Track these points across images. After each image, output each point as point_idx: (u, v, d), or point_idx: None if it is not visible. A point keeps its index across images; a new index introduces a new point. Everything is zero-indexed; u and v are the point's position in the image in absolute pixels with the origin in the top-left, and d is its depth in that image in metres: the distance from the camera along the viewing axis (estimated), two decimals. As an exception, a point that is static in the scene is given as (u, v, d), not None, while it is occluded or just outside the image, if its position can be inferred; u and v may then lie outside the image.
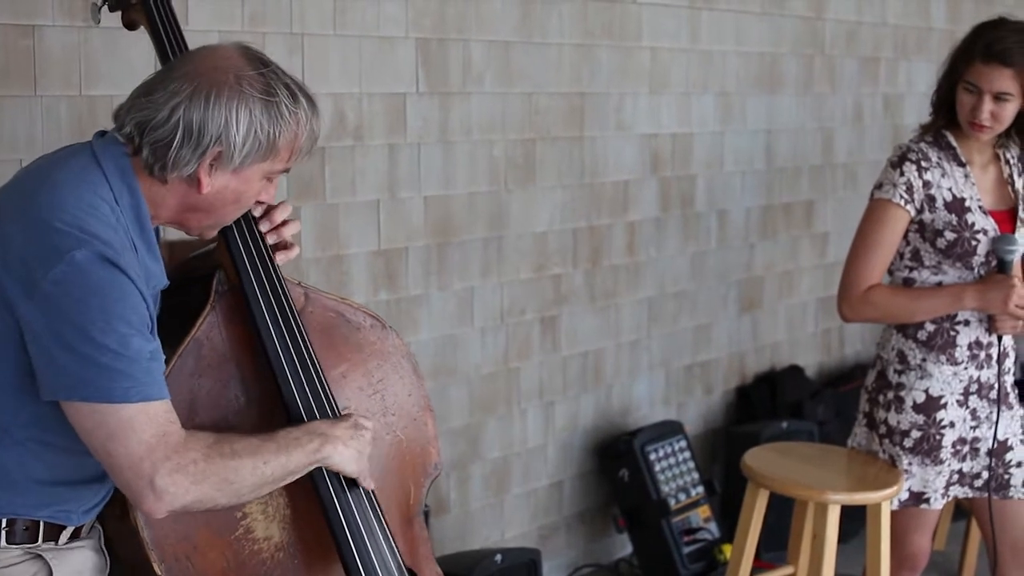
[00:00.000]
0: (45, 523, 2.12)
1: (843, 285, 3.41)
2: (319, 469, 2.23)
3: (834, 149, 5.58)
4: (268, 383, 2.27)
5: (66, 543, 2.16)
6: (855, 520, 3.94)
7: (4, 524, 2.09)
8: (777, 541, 4.42)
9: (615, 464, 4.56)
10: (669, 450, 4.60)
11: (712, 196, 4.99)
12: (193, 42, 3.17)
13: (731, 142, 5.04)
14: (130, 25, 2.60)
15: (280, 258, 2.36)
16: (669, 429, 4.68)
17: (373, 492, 2.33)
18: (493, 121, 4.10)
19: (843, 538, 3.72)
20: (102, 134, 2.17)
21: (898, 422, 3.41)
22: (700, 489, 4.63)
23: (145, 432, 1.97)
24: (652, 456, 4.53)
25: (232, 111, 2.06)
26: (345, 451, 2.22)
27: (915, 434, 3.39)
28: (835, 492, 3.39)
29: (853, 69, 5.61)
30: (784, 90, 5.26)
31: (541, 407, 4.46)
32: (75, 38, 3.04)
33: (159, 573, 2.13)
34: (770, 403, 5.20)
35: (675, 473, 4.58)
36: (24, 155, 2.96)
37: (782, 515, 4.00)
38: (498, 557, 3.84)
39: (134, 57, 3.11)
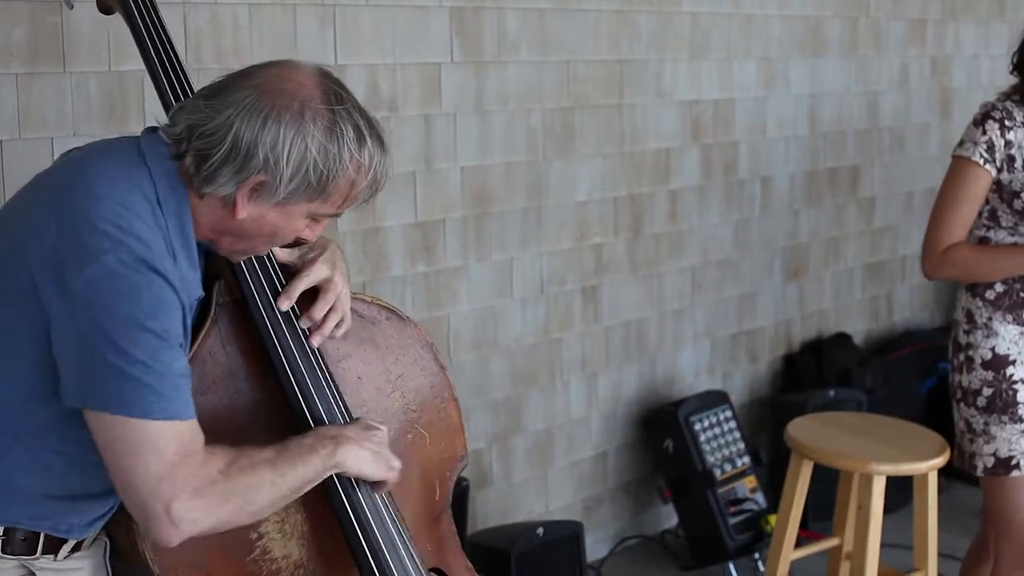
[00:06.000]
0: (45, 535, 2.02)
1: (925, 243, 3.29)
2: (332, 481, 2.14)
3: (880, 113, 5.50)
4: (277, 396, 2.18)
5: (65, 557, 2.07)
6: (906, 490, 3.87)
7: (1, 532, 1.99)
8: (826, 511, 4.36)
9: (660, 435, 4.53)
10: (714, 420, 4.56)
11: (755, 163, 4.93)
12: (207, 18, 3.20)
13: (774, 107, 4.97)
14: (105, 10, 2.52)
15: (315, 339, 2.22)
16: (714, 399, 4.63)
17: (391, 498, 2.25)
18: (530, 90, 4.06)
19: (893, 508, 3.68)
20: (152, 130, 2.02)
21: (969, 382, 3.29)
22: (746, 459, 4.59)
23: (167, 451, 1.86)
24: (697, 426, 4.49)
25: (286, 141, 1.91)
26: (361, 452, 2.10)
27: (986, 391, 3.26)
28: (880, 463, 3.34)
29: (899, 31, 5.52)
30: (828, 54, 5.18)
31: (584, 378, 4.42)
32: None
33: None
34: (817, 371, 5.14)
35: (721, 443, 4.53)
36: (55, 133, 2.96)
37: (831, 484, 3.95)
38: (540, 530, 3.81)
39: (163, 31, 3.08)
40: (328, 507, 2.19)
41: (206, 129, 1.92)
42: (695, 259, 4.75)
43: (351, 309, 2.31)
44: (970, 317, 3.31)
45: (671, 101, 4.54)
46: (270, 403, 2.19)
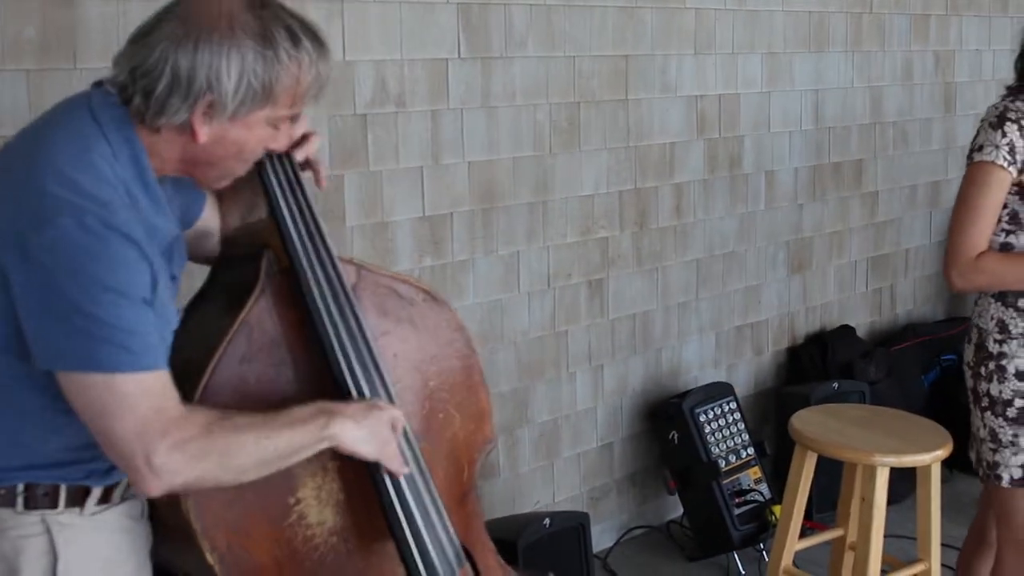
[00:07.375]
0: (67, 487, 2.04)
1: (951, 254, 3.16)
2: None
3: (883, 108, 5.52)
4: (320, 366, 2.21)
5: (93, 513, 2.08)
6: (910, 481, 3.90)
7: (21, 488, 2.02)
8: (830, 501, 4.39)
9: (665, 426, 4.56)
10: (719, 412, 4.59)
11: (760, 157, 4.96)
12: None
13: (778, 102, 5.00)
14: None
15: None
16: (719, 391, 4.66)
17: (429, 472, 2.29)
18: (537, 85, 4.09)
19: (896, 499, 3.69)
20: (99, 84, 2.06)
21: (1000, 392, 3.21)
22: (751, 451, 4.62)
23: (140, 406, 1.89)
24: (702, 418, 4.52)
25: (222, 57, 1.95)
26: (356, 431, 2.13)
27: (1019, 403, 3.19)
28: (883, 454, 3.35)
29: (903, 26, 5.54)
30: (832, 49, 5.20)
31: (590, 370, 4.45)
32: (114, 9, 3.05)
33: (211, 563, 2.08)
34: (821, 363, 5.17)
35: (725, 435, 4.56)
36: (67, 127, 2.98)
37: (835, 475, 3.98)
38: (546, 521, 3.84)
39: (174, 28, 3.11)
40: (366, 477, 2.22)
41: (146, 67, 1.95)
42: (700, 252, 4.78)
43: (391, 287, 2.38)
44: (1003, 327, 3.21)
45: (676, 96, 4.57)
46: (313, 375, 2.22)
